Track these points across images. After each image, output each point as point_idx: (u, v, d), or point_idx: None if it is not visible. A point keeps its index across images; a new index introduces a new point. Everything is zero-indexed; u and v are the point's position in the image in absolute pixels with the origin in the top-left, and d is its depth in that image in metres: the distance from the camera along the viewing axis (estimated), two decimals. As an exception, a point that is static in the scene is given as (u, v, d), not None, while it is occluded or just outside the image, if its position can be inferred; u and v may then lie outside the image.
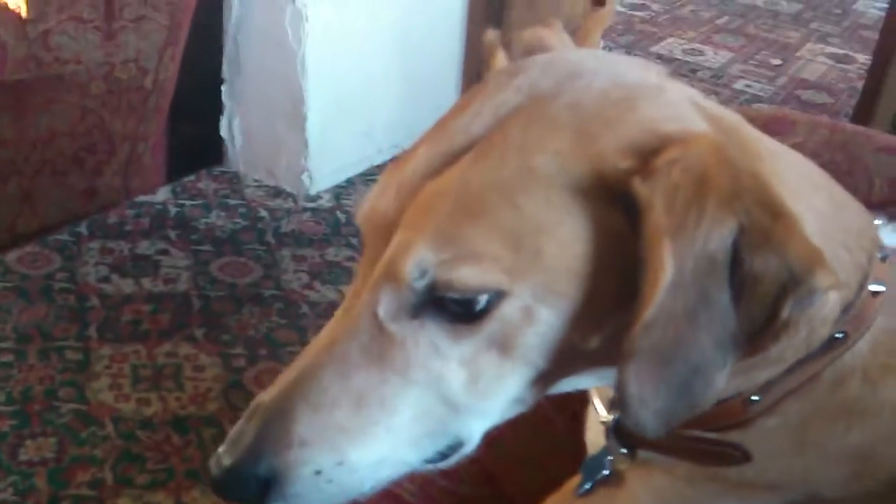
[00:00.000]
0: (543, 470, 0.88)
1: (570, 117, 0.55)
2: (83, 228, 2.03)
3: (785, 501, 0.62)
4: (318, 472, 0.55)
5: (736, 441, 0.61)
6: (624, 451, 0.66)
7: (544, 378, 0.57)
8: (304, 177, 2.27)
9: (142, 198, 2.17)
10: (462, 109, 0.58)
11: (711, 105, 0.61)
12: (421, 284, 0.53)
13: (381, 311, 0.55)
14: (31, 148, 1.93)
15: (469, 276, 0.52)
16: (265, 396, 0.56)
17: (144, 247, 2.00)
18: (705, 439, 0.62)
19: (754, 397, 0.60)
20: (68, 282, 1.85)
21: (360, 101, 2.34)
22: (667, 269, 0.49)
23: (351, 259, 2.06)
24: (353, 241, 2.12)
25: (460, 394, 0.56)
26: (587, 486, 0.69)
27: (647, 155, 0.52)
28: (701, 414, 0.58)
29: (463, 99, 0.60)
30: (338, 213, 2.23)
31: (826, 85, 3.44)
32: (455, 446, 0.59)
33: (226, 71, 2.29)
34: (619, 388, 0.51)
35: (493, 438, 0.88)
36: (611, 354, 0.54)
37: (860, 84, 2.95)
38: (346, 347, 0.55)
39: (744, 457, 0.60)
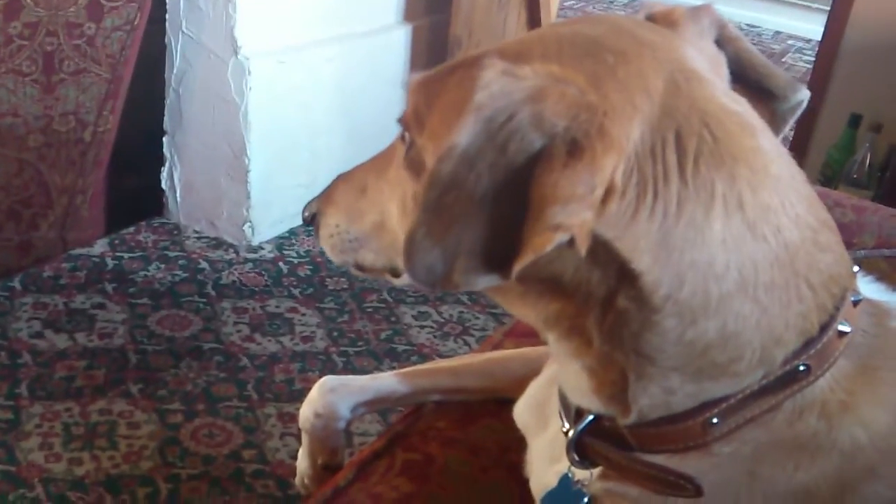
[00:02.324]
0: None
1: (538, 36, 0.63)
2: (16, 283, 1.99)
3: None
4: (330, 224, 0.78)
5: (691, 470, 0.62)
6: (580, 461, 0.68)
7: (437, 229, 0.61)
8: (246, 228, 2.26)
9: (79, 251, 2.14)
10: None
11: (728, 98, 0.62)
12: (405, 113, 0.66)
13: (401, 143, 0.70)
14: (-35, 202, 1.90)
15: (409, 106, 0.65)
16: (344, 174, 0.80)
17: (80, 301, 1.97)
18: (662, 468, 0.63)
19: (714, 420, 0.61)
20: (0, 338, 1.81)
21: (302, 153, 2.35)
22: (461, 131, 0.53)
23: (293, 310, 2.05)
24: (295, 291, 2.12)
25: (394, 213, 0.70)
26: None
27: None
28: (663, 433, 0.62)
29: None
30: (280, 263, 2.23)
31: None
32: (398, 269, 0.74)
33: (167, 123, 2.29)
34: (410, 227, 0.56)
35: (431, 494, 0.89)
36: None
37: (790, 135, 3.05)
38: (385, 152, 0.75)
39: (696, 491, 0.62)
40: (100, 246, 2.18)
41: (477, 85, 0.55)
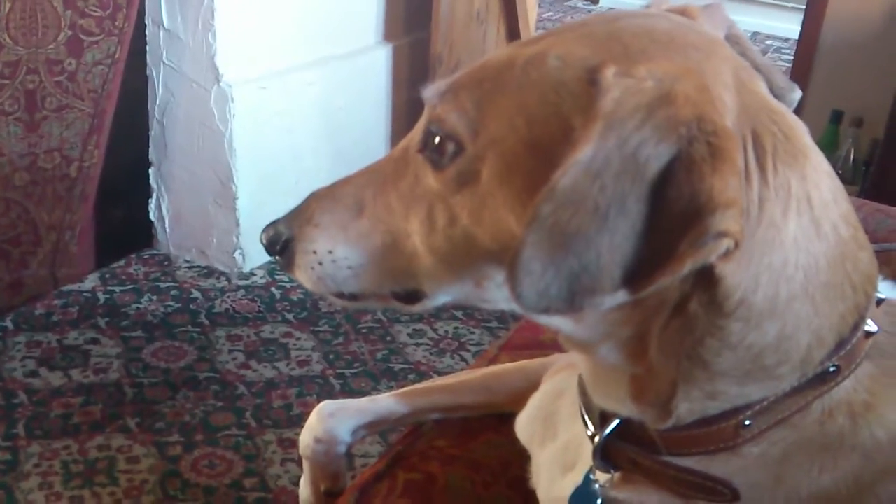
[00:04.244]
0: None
1: (601, 38, 0.59)
2: (8, 322, 1.98)
3: None
4: (314, 252, 0.68)
5: (718, 472, 0.61)
6: (609, 471, 0.66)
7: (474, 250, 0.62)
8: (237, 255, 2.26)
9: (70, 287, 2.13)
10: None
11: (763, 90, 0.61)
12: (430, 118, 0.63)
13: (411, 144, 0.66)
14: (-47, 243, 1.89)
15: (446, 115, 0.61)
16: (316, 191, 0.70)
17: (73, 337, 1.96)
18: (697, 472, 0.62)
19: (747, 422, 0.61)
20: (-7, 379, 1.80)
21: (290, 176, 2.35)
22: (590, 143, 0.51)
23: (287, 335, 2.04)
24: (289, 316, 2.11)
25: (418, 231, 0.64)
26: None
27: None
28: (695, 435, 0.61)
29: None
30: (272, 289, 2.22)
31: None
32: (415, 293, 0.67)
33: (153, 154, 2.29)
34: (515, 249, 0.52)
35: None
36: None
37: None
38: (379, 167, 0.69)
39: (733, 495, 0.61)
40: (91, 281, 2.17)
41: (585, 89, 0.55)
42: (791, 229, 0.56)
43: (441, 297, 0.67)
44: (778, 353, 0.59)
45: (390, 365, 1.96)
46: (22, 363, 1.86)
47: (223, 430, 1.72)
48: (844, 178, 2.50)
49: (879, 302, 0.65)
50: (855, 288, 0.62)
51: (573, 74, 0.57)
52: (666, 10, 0.66)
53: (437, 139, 0.62)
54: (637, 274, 0.51)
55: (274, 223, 0.71)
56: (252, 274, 2.27)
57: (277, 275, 2.28)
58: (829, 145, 2.58)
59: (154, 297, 2.14)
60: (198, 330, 2.03)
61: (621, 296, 0.52)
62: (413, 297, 0.68)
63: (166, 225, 2.33)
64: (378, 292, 0.69)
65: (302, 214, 0.70)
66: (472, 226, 0.61)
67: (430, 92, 0.63)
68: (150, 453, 1.64)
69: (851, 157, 2.52)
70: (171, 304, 2.12)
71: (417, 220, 0.64)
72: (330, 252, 0.68)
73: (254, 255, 2.29)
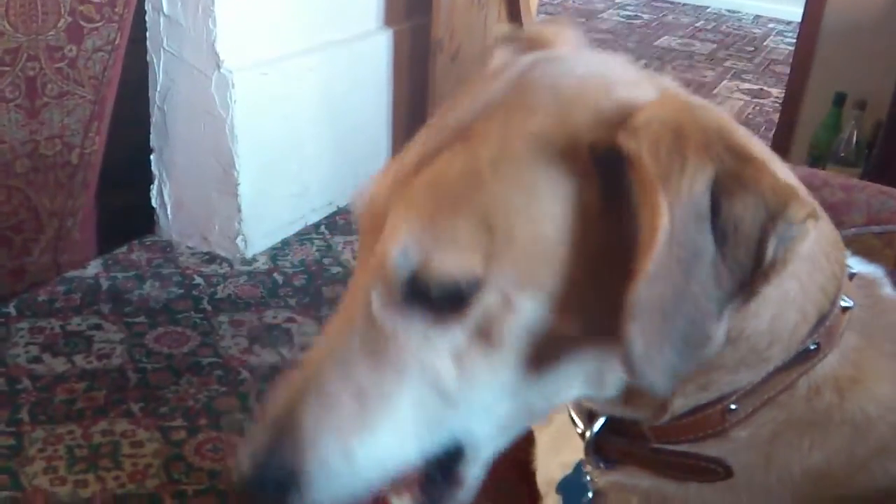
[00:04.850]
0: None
1: (549, 99, 0.57)
2: (11, 309, 1.99)
3: None
4: (329, 469, 0.56)
5: (714, 455, 0.62)
6: (602, 465, 0.67)
7: (536, 371, 0.57)
8: (239, 241, 2.26)
9: (72, 273, 2.14)
10: (455, 104, 0.61)
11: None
12: (405, 273, 0.55)
13: (375, 305, 0.56)
14: (-45, 230, 1.90)
15: (446, 262, 0.54)
16: (275, 402, 0.58)
17: (76, 323, 1.96)
18: (687, 454, 0.63)
19: (733, 406, 0.61)
20: (-2, 365, 1.81)
21: (291, 162, 2.35)
22: (663, 214, 0.50)
23: (290, 320, 2.04)
24: (291, 301, 2.12)
25: (451, 384, 0.56)
26: None
27: (623, 122, 0.54)
28: (682, 424, 0.61)
29: (459, 93, 0.63)
30: (275, 274, 2.23)
31: (744, 120, 3.57)
32: (457, 452, 0.59)
33: (154, 140, 2.29)
34: (626, 350, 0.51)
35: None
36: (596, 337, 0.56)
37: (776, 117, 3.07)
38: (346, 345, 0.57)
39: (726, 472, 0.61)
40: (93, 267, 2.18)
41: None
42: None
43: (483, 437, 0.59)
44: (770, 335, 0.60)
45: (393, 349, 1.96)
46: (25, 349, 1.86)
47: (227, 415, 1.72)
48: (847, 161, 2.50)
49: (851, 276, 0.65)
50: (828, 256, 0.62)
51: (562, 149, 0.54)
52: (525, 41, 0.67)
53: (433, 291, 0.54)
54: (732, 290, 0.51)
55: (248, 479, 0.55)
56: (254, 260, 2.28)
57: (279, 260, 2.29)
58: (831, 128, 2.57)
59: (157, 284, 2.14)
60: (200, 315, 2.03)
61: (726, 321, 0.52)
62: (454, 457, 0.59)
63: (168, 211, 2.33)
64: (411, 455, 0.58)
65: (298, 438, 0.56)
66: (516, 348, 0.56)
67: (393, 250, 0.54)
68: (153, 438, 1.65)
69: (854, 139, 2.52)
70: (174, 290, 2.12)
71: (438, 368, 0.56)
72: (348, 458, 0.56)
73: (256, 241, 2.29)
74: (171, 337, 1.95)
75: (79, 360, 1.84)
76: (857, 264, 0.69)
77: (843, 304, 0.63)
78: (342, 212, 2.52)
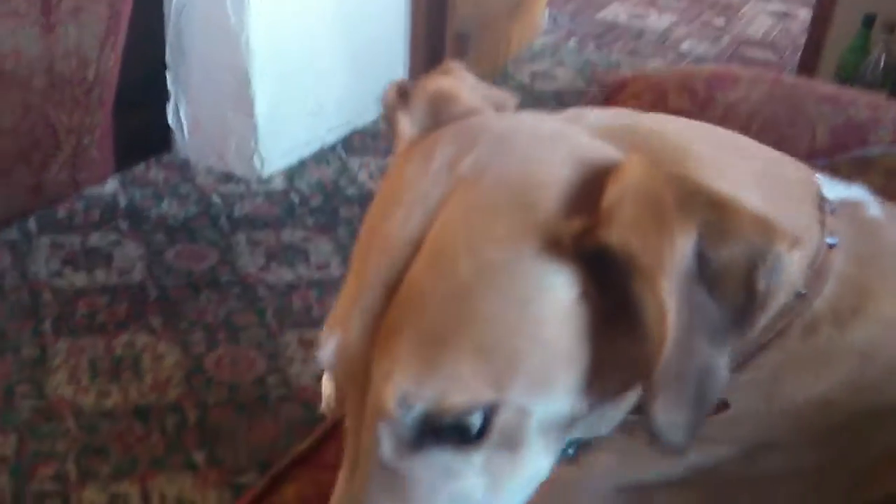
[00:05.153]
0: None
1: (503, 195, 0.53)
2: (32, 224, 2.01)
3: (741, 450, 0.63)
4: None
5: None
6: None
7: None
8: (255, 160, 2.26)
9: (90, 190, 2.15)
10: (389, 211, 0.56)
11: (614, 115, 0.62)
12: (410, 418, 0.52)
13: (384, 454, 0.53)
14: (-26, 147, 1.90)
15: (456, 401, 0.51)
16: None
17: (96, 239, 1.98)
18: None
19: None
20: (20, 278, 1.83)
21: (307, 80, 2.33)
22: (670, 307, 0.49)
23: (307, 240, 2.06)
24: (308, 221, 2.12)
25: (488, 498, 0.55)
26: None
27: (590, 202, 0.51)
28: None
29: (383, 195, 0.58)
30: (291, 194, 2.23)
31: (770, 42, 3.49)
32: None
33: (169, 58, 2.26)
34: (650, 421, 0.52)
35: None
36: (608, 394, 0.56)
37: (803, 39, 2.99)
38: (368, 501, 0.54)
39: (723, 404, 0.61)
40: (111, 185, 2.19)
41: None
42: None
43: None
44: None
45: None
46: (47, 263, 1.89)
47: (245, 330, 1.75)
48: (874, 84, 2.44)
49: (832, 212, 0.65)
50: (793, 198, 0.63)
51: (540, 248, 0.52)
52: (425, 98, 0.62)
53: (447, 429, 0.52)
54: (731, 330, 0.52)
55: None
56: (271, 179, 2.28)
57: (296, 180, 2.29)
58: (859, 50, 2.50)
59: (174, 202, 2.15)
60: (218, 234, 2.05)
61: (728, 357, 0.53)
62: None
63: (184, 130, 2.32)
64: None
65: None
66: (536, 442, 0.55)
67: (391, 399, 0.52)
68: (174, 351, 1.68)
69: (882, 62, 2.46)
70: (192, 208, 2.13)
71: (477, 497, 0.55)
72: None
73: (272, 160, 2.29)
74: (190, 254, 1.97)
75: (99, 275, 1.87)
76: (840, 190, 0.68)
77: (828, 242, 0.62)
78: (358, 132, 2.50)
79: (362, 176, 2.32)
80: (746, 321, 0.53)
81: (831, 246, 0.62)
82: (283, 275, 1.93)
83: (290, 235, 2.07)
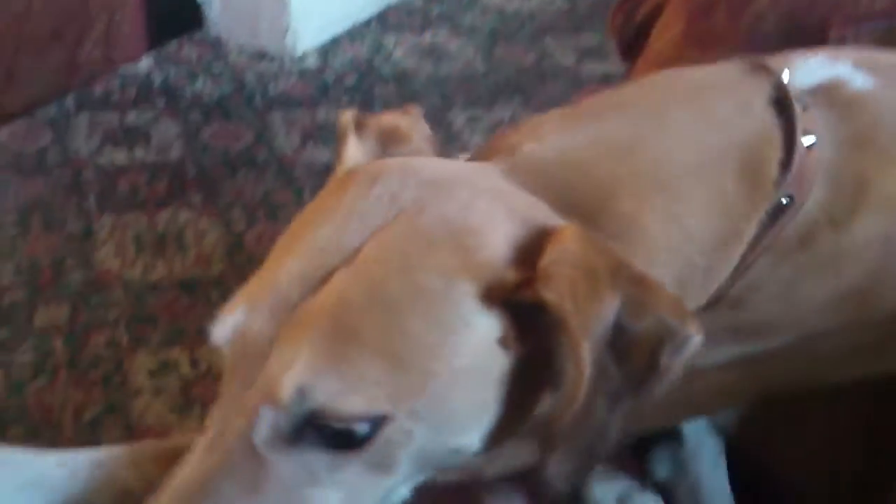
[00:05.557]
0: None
1: (443, 232, 0.56)
2: (70, 102, 2.02)
3: (780, 343, 0.64)
4: None
5: (729, 321, 0.64)
6: None
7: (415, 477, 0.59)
8: (288, 37, 2.23)
9: (125, 68, 2.14)
10: (323, 219, 0.58)
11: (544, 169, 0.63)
12: (301, 409, 0.52)
13: (258, 438, 0.53)
14: (7, 26, 1.89)
15: (352, 404, 0.51)
16: None
17: (133, 117, 1.99)
18: None
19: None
20: (62, 155, 1.86)
21: (339, -44, 2.27)
22: (587, 365, 0.52)
23: (342, 119, 2.05)
24: (343, 100, 2.11)
25: None
26: None
27: (527, 258, 0.54)
28: None
29: (319, 205, 0.61)
30: (325, 72, 2.21)
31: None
32: None
33: (198, -70, 2.21)
34: (540, 470, 0.55)
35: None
36: (497, 440, 0.58)
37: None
38: (220, 482, 0.53)
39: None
40: (145, 63, 2.17)
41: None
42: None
43: None
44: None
45: (444, 149, 1.97)
46: (87, 141, 1.91)
47: (283, 208, 1.77)
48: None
49: (805, 108, 0.63)
50: (748, 114, 0.63)
51: (476, 290, 0.54)
52: (376, 131, 0.67)
53: (331, 429, 0.52)
54: (628, 399, 0.55)
55: None
56: (304, 57, 2.25)
57: (330, 58, 2.26)
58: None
59: (208, 80, 2.14)
60: (253, 113, 2.04)
61: (621, 420, 0.55)
62: None
63: (215, 7, 2.29)
64: None
65: None
66: (406, 469, 0.56)
67: (288, 385, 0.51)
68: (214, 227, 1.71)
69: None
70: (226, 87, 2.12)
71: None
72: None
73: (305, 37, 2.25)
74: (226, 133, 1.98)
75: (139, 152, 1.89)
76: (817, 69, 0.66)
77: (805, 143, 0.60)
78: (393, 7, 2.45)
79: (398, 54, 2.28)
80: (643, 390, 0.55)
81: (810, 147, 0.61)
82: (318, 155, 1.93)
83: (325, 115, 2.06)
